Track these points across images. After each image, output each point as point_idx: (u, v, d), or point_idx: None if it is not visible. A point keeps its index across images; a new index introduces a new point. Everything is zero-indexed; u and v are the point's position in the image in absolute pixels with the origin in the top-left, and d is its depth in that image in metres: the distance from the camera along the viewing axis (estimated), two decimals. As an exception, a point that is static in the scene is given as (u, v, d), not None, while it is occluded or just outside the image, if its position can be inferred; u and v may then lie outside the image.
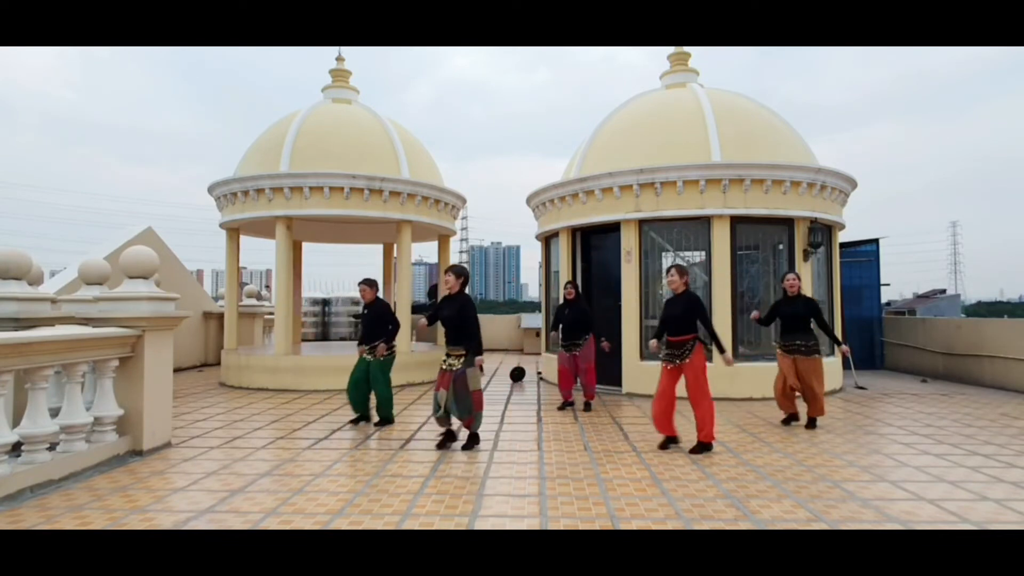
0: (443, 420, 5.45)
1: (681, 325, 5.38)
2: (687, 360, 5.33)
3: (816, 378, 6.35)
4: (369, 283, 6.60)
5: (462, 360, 5.37)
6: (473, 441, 5.51)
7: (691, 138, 8.79)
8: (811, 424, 6.34)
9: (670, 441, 5.49)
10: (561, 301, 7.98)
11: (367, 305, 6.64)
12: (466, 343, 5.42)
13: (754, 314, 6.86)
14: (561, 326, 7.52)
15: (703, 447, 5.30)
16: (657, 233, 8.82)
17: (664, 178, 8.38)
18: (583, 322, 7.46)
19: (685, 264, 8.93)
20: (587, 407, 7.39)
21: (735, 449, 5.43)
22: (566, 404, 7.49)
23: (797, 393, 6.49)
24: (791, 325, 6.49)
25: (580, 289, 8.15)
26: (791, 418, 6.54)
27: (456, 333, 5.47)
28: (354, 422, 6.55)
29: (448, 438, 5.54)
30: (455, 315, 5.44)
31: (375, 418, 6.58)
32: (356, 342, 6.63)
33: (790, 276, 6.56)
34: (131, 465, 4.94)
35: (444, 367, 5.44)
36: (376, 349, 6.44)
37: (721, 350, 5.42)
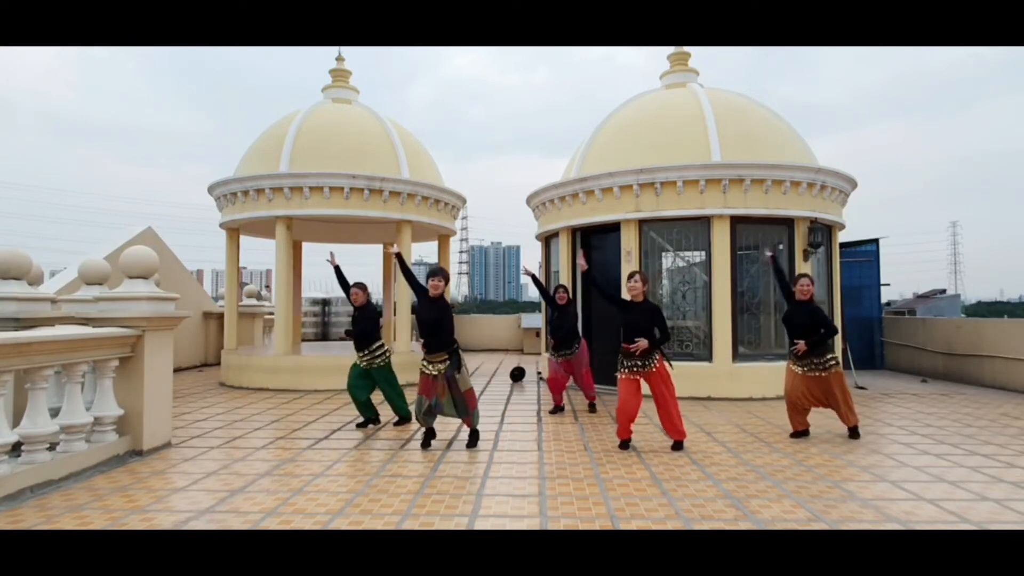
0: (427, 420, 5.50)
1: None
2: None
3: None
4: (362, 287, 6.49)
5: (447, 364, 5.36)
6: (475, 438, 5.57)
7: (691, 138, 8.78)
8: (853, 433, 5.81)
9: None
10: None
11: (358, 308, 6.48)
12: (445, 347, 5.37)
13: (767, 256, 6.27)
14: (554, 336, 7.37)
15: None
16: (657, 233, 8.81)
17: (664, 178, 8.38)
18: (574, 330, 7.37)
19: (685, 264, 8.95)
20: (592, 408, 7.34)
21: (735, 449, 5.43)
22: (557, 408, 7.39)
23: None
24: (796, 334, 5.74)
25: (571, 293, 7.84)
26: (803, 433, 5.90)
27: (433, 338, 5.38)
28: (361, 425, 6.43)
29: (430, 436, 5.60)
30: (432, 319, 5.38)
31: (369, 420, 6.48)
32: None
33: (804, 280, 5.76)
34: (131, 465, 4.95)
35: (427, 372, 5.41)
36: (376, 357, 6.36)
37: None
